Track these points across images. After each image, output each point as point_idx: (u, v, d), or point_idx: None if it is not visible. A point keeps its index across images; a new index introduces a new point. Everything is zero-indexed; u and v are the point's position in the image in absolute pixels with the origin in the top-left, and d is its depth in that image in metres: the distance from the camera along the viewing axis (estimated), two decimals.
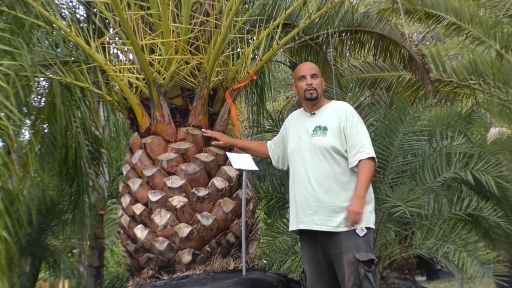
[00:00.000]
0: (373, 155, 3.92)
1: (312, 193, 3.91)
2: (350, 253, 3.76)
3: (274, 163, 4.51)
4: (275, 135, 4.65)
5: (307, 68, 4.21)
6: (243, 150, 4.71)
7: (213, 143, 4.68)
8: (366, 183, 3.87)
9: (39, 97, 6.80)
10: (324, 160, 3.92)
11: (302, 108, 4.28)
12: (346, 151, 3.92)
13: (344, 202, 3.85)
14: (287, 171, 4.32)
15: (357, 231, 3.80)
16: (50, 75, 5.21)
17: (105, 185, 9.12)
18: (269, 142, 4.55)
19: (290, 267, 6.65)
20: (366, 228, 3.83)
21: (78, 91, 6.48)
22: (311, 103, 4.13)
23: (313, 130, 4.01)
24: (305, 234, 4.05)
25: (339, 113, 4.01)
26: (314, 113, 4.10)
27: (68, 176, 7.26)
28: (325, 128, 3.97)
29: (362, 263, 3.73)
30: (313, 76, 4.12)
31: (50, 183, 8.82)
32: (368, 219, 3.88)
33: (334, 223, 3.84)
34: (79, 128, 6.77)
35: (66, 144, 6.70)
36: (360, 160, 3.87)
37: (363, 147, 3.89)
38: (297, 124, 4.18)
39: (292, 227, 4.12)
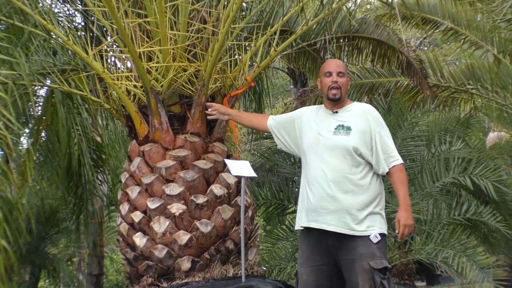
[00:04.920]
0: (402, 161, 3.89)
1: (330, 193, 3.74)
2: (365, 261, 3.65)
3: (276, 140, 4.26)
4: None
5: (334, 64, 4.01)
6: (242, 124, 4.60)
7: (209, 110, 4.58)
8: (407, 190, 3.84)
9: (37, 105, 6.80)
10: (344, 161, 3.77)
11: (323, 105, 4.07)
12: (369, 154, 3.78)
13: (361, 205, 3.71)
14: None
15: (371, 237, 3.67)
16: (48, 84, 5.21)
17: (107, 192, 9.11)
18: (270, 118, 4.28)
19: (290, 274, 6.64)
20: (380, 234, 3.71)
21: (78, 98, 6.46)
22: (333, 103, 3.95)
23: (335, 129, 3.84)
24: (312, 235, 3.85)
25: (367, 115, 3.86)
26: (336, 111, 3.92)
27: (71, 184, 7.25)
28: (348, 128, 3.81)
29: (378, 271, 3.63)
30: (339, 74, 3.92)
31: (49, 192, 8.81)
32: (382, 225, 3.77)
33: (348, 225, 3.70)
34: (81, 135, 6.76)
35: (69, 153, 6.69)
36: (393, 167, 3.80)
37: (393, 153, 3.83)
38: (317, 119, 3.98)
39: (303, 223, 3.87)
